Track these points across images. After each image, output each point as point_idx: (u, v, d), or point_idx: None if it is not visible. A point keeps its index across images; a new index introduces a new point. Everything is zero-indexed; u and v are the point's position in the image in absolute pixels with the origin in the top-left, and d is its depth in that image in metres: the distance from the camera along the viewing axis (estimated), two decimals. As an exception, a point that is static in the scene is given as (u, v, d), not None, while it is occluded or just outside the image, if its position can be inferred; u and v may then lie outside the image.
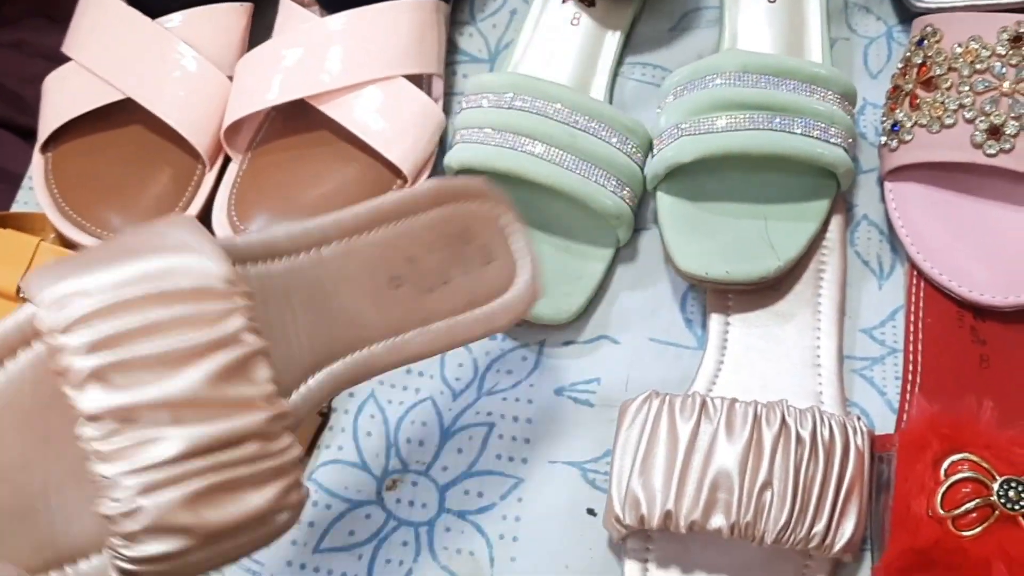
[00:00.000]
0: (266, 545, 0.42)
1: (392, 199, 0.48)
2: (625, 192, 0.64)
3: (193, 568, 0.40)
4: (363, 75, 0.65)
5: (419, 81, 0.69)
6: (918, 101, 0.64)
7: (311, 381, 0.45)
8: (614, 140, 0.64)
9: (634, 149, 0.65)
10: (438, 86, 0.71)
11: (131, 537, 0.38)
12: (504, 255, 0.52)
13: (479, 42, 0.76)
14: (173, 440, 0.38)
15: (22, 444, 0.39)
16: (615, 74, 0.72)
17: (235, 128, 0.67)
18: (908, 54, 0.67)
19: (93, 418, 0.38)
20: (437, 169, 0.68)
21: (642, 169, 0.65)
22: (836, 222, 0.66)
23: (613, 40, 0.72)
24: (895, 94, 0.66)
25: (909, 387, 0.60)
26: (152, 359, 0.38)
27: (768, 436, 0.54)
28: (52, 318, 0.38)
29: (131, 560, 0.38)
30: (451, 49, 0.75)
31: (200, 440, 0.38)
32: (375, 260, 0.47)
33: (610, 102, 0.71)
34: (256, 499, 0.40)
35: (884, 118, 0.66)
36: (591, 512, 0.59)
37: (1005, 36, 0.62)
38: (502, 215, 0.52)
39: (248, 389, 0.40)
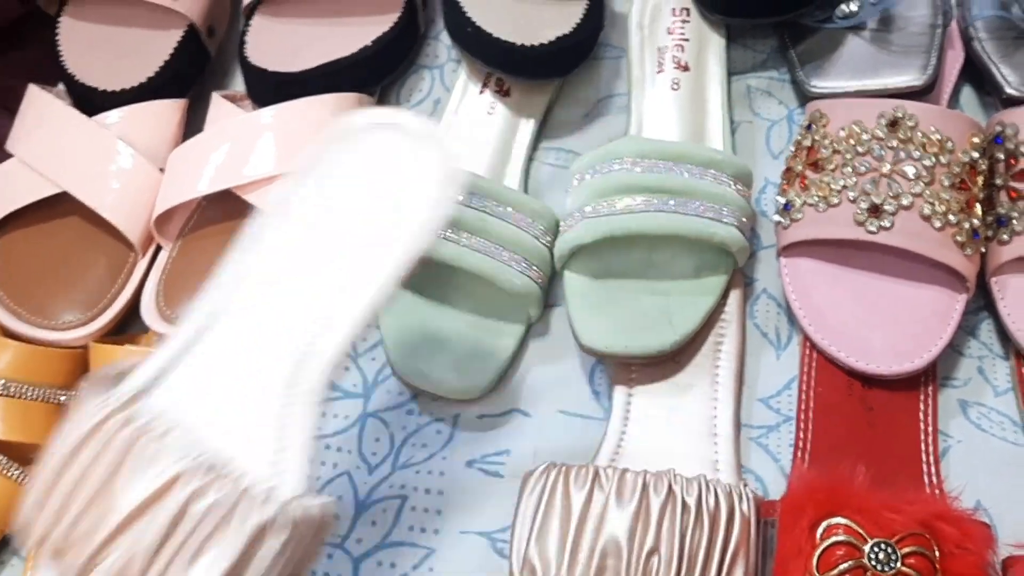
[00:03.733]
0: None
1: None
2: (533, 272, 0.67)
3: None
4: (286, 166, 0.69)
5: (343, 170, 0.74)
6: (807, 182, 0.68)
7: None
8: (522, 224, 0.68)
9: (542, 232, 0.69)
10: (362, 174, 0.75)
11: None
12: None
13: (404, 130, 0.80)
14: None
15: None
16: (530, 159, 0.77)
17: (166, 217, 0.70)
18: (799, 137, 0.71)
19: None
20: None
21: (550, 250, 0.69)
22: (735, 296, 0.69)
23: (528, 127, 0.76)
24: (788, 175, 0.70)
25: (800, 453, 0.63)
26: None
27: (655, 504, 0.57)
28: None
29: None
30: (378, 137, 0.79)
31: None
32: None
33: (525, 186, 0.75)
34: None
35: (778, 197, 0.70)
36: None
37: (883, 121, 0.66)
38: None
39: None
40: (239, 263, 0.55)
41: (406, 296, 0.68)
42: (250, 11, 0.78)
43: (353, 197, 0.54)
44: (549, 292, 0.70)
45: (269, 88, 0.74)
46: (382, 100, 0.81)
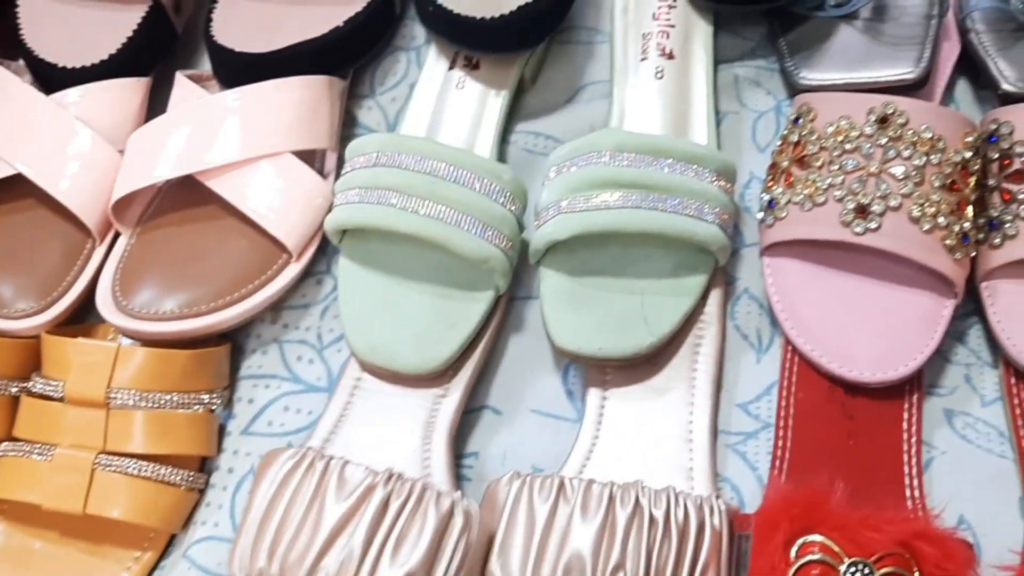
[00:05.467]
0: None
1: None
2: (491, 235, 0.64)
3: None
4: (251, 151, 0.67)
5: (312, 156, 0.71)
6: (792, 179, 0.65)
7: None
8: (477, 186, 0.64)
9: (501, 194, 0.65)
10: (331, 160, 0.72)
11: None
12: None
13: (378, 115, 0.77)
14: None
15: None
16: (502, 137, 0.74)
17: (125, 203, 0.68)
18: (786, 132, 0.68)
19: None
20: (325, 243, 0.69)
21: (515, 214, 0.66)
22: (715, 296, 0.67)
23: (498, 101, 0.74)
24: (773, 171, 0.68)
25: (778, 463, 0.61)
26: None
27: (622, 518, 0.55)
28: None
29: None
30: (351, 123, 0.77)
31: None
32: None
33: (500, 163, 0.72)
34: None
35: (762, 194, 0.68)
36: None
37: (873, 117, 0.64)
38: None
39: None
40: None
41: (364, 271, 0.66)
42: (218, -12, 0.75)
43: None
44: (523, 273, 0.68)
45: (235, 69, 0.71)
46: (355, 83, 0.78)
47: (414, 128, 0.72)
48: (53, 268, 0.67)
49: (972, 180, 0.63)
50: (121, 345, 0.62)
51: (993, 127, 0.65)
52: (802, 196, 0.64)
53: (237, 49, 0.71)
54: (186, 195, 0.68)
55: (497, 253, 0.64)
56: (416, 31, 0.80)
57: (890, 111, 0.63)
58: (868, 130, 0.64)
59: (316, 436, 0.62)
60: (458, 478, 0.63)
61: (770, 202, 0.66)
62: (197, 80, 0.72)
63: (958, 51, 0.74)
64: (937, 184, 0.62)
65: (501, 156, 0.74)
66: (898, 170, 0.62)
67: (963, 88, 0.75)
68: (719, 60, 0.77)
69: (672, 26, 0.75)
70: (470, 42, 0.72)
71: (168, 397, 0.61)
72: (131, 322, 0.64)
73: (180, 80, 0.71)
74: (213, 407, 0.64)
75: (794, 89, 0.73)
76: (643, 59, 0.74)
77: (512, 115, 0.76)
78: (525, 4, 0.70)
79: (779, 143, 0.68)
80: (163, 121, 0.68)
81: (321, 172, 0.71)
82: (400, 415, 0.63)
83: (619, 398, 0.64)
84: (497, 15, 0.70)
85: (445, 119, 0.73)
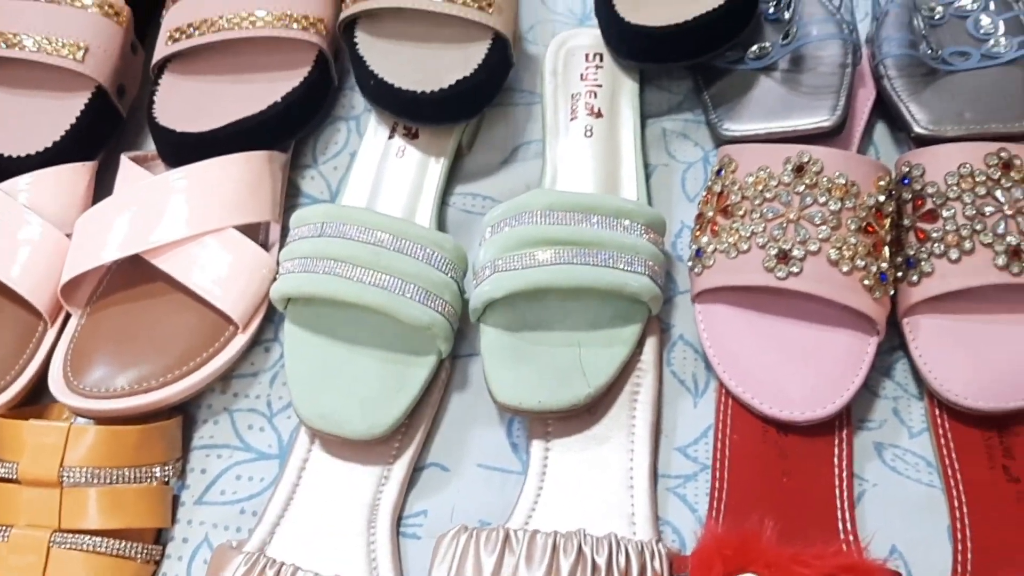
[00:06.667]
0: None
1: None
2: (435, 302, 0.66)
3: None
4: (195, 229, 0.69)
5: (256, 227, 0.73)
6: (717, 228, 0.68)
7: None
8: (419, 254, 0.67)
9: (443, 261, 0.67)
10: (275, 231, 0.74)
11: None
12: None
13: (320, 184, 0.79)
14: None
15: None
16: (442, 202, 0.76)
17: (74, 284, 0.69)
18: (710, 183, 0.71)
19: None
20: (272, 310, 0.71)
21: (456, 280, 0.68)
22: (651, 343, 0.69)
23: (437, 168, 0.76)
24: (700, 220, 0.70)
25: (715, 504, 0.63)
26: None
27: (565, 566, 0.57)
28: None
29: None
30: (294, 192, 0.79)
31: None
32: None
33: (438, 229, 0.74)
34: None
35: (691, 244, 0.70)
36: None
37: (789, 166, 0.66)
38: None
39: None
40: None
41: (310, 338, 0.67)
42: (159, 70, 0.78)
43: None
44: (466, 332, 0.70)
45: (178, 149, 0.73)
46: (297, 153, 0.80)
47: (356, 196, 0.75)
48: (6, 352, 0.68)
49: (887, 222, 0.66)
50: (73, 424, 0.63)
51: (906, 170, 0.68)
52: (727, 244, 0.67)
53: (178, 130, 0.73)
54: (134, 273, 0.70)
55: (439, 319, 0.66)
56: (355, 100, 0.83)
57: (805, 160, 0.66)
58: (786, 179, 0.66)
59: (265, 522, 0.63)
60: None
61: (697, 251, 0.69)
62: (143, 160, 0.75)
63: (874, 96, 0.77)
64: (853, 227, 0.65)
65: (441, 219, 0.76)
66: (815, 216, 0.65)
67: (881, 131, 0.78)
68: (648, 115, 0.80)
69: (599, 86, 0.78)
70: (411, 115, 0.75)
71: (120, 472, 0.63)
72: (82, 401, 0.65)
73: (124, 162, 0.73)
74: (166, 479, 0.65)
75: (720, 140, 0.76)
76: (573, 119, 0.77)
77: (451, 178, 0.78)
78: (463, 78, 0.73)
79: (704, 194, 0.71)
80: (108, 204, 0.70)
81: (266, 242, 0.74)
82: (347, 499, 0.64)
83: (561, 448, 0.66)
84: (436, 89, 0.73)
85: (385, 187, 0.75)
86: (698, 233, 0.70)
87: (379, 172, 0.76)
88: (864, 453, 0.65)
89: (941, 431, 0.65)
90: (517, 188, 0.77)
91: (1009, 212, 0.65)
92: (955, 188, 0.66)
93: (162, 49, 0.77)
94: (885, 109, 0.77)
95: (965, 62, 0.75)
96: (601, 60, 0.79)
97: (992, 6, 0.78)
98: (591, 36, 0.81)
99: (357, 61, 0.76)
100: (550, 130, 0.77)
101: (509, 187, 0.78)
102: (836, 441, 0.65)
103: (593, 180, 0.74)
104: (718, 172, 0.70)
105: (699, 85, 0.79)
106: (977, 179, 0.66)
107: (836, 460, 0.64)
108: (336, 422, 0.64)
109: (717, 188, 0.69)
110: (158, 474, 0.64)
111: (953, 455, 0.64)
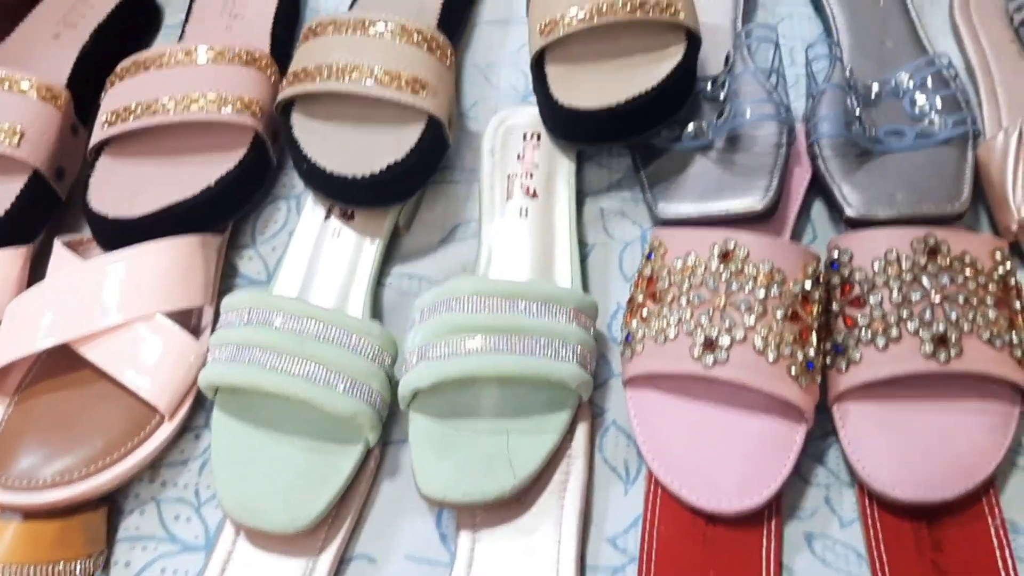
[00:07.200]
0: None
1: None
2: (362, 391, 0.65)
3: None
4: (123, 316, 0.68)
5: (188, 313, 0.73)
6: (646, 313, 0.67)
7: None
8: (347, 343, 0.67)
9: (371, 349, 0.67)
10: (208, 314, 0.74)
11: None
12: None
13: (258, 264, 0.79)
14: None
15: None
16: (377, 284, 0.76)
17: (3, 373, 0.69)
18: (641, 266, 0.70)
19: None
20: (200, 398, 0.70)
21: (385, 368, 0.67)
22: (582, 429, 0.68)
23: (371, 250, 0.76)
24: (631, 305, 0.70)
25: (641, 599, 0.62)
26: None
27: (480, 668, 0.56)
28: None
29: None
30: (231, 273, 0.79)
31: None
32: None
33: (372, 310, 0.74)
34: None
35: (622, 328, 0.70)
36: None
37: (716, 251, 0.66)
38: None
39: None
40: None
41: (237, 426, 0.67)
42: (96, 153, 0.78)
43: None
44: (398, 417, 0.69)
45: (111, 234, 0.73)
46: (237, 233, 0.80)
47: (290, 277, 0.75)
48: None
49: (814, 309, 0.66)
50: (-5, 520, 0.63)
51: (835, 255, 0.68)
52: (655, 330, 0.66)
53: (111, 215, 0.73)
54: (62, 361, 0.70)
55: (366, 409, 0.65)
56: (296, 180, 0.83)
57: (731, 246, 0.66)
58: (712, 265, 0.66)
59: None
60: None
61: (628, 336, 0.68)
62: (78, 244, 0.75)
63: (810, 175, 0.77)
64: (779, 315, 0.64)
65: (376, 299, 0.76)
66: (742, 303, 0.64)
67: (819, 209, 0.78)
68: (587, 193, 0.80)
69: (536, 166, 0.78)
70: (343, 198, 0.75)
71: (39, 568, 0.62)
72: (7, 494, 0.65)
73: (57, 248, 0.73)
74: (87, 574, 0.64)
75: (657, 219, 0.76)
76: (508, 199, 0.77)
77: (388, 258, 0.78)
78: (394, 163, 0.73)
79: (635, 277, 0.71)
80: (37, 291, 0.70)
81: (198, 326, 0.73)
82: None
83: (489, 539, 0.65)
84: (367, 173, 0.73)
85: (321, 267, 0.75)
86: (629, 317, 0.69)
87: (315, 253, 0.76)
88: (794, 544, 0.64)
89: (870, 521, 0.64)
90: (454, 268, 0.77)
91: (936, 299, 0.64)
92: (882, 274, 0.66)
93: (98, 133, 0.77)
94: (821, 188, 0.77)
95: (900, 142, 0.75)
96: (538, 139, 0.80)
97: (929, 83, 0.78)
98: (529, 115, 0.81)
99: (292, 143, 0.76)
100: (486, 210, 0.77)
101: (446, 267, 0.77)
102: (764, 532, 0.64)
103: (528, 261, 0.74)
104: (649, 256, 0.70)
105: (637, 164, 0.79)
106: (903, 265, 0.65)
107: (764, 552, 0.63)
108: (258, 514, 0.64)
109: (647, 272, 0.69)
110: (77, 571, 0.64)
111: (882, 547, 0.63)
